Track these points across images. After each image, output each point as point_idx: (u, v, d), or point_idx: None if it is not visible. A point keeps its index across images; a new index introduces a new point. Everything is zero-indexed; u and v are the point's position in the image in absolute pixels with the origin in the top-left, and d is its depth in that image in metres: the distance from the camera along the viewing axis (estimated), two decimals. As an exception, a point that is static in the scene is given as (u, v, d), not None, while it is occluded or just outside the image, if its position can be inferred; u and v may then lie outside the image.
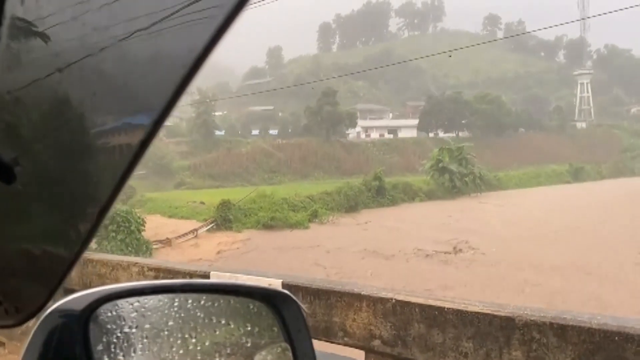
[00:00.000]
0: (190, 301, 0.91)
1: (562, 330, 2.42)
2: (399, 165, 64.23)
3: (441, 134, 74.90)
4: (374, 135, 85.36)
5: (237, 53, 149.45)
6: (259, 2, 19.94)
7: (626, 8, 20.77)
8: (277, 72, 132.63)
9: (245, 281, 4.51)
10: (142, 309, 0.84)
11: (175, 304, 0.89)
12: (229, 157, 60.65)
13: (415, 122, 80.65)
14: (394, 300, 3.13)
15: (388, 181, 39.88)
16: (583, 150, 78.83)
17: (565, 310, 2.55)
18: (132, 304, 0.83)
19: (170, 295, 0.90)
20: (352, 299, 3.40)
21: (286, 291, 0.99)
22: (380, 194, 37.37)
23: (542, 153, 72.96)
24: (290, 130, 77.01)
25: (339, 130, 69.28)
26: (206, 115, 64.92)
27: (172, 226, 28.45)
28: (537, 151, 73.30)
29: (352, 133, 79.39)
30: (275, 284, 4.16)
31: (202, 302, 0.92)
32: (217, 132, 69.66)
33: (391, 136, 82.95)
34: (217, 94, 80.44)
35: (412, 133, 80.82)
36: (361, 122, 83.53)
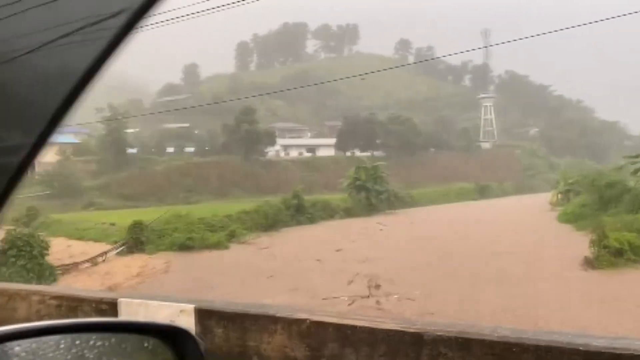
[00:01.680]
0: (78, 342, 0.85)
1: (466, 344, 2.52)
2: (318, 183, 64.87)
3: (358, 153, 76.72)
4: (293, 153, 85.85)
5: (150, 70, 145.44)
6: (172, 19, 19.52)
7: (522, 38, 22.55)
8: (193, 90, 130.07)
9: (157, 307, 4.33)
10: (24, 353, 0.77)
11: (62, 345, 0.83)
12: (142, 176, 58.34)
13: (333, 141, 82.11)
14: (309, 322, 3.13)
15: (307, 199, 40.10)
16: (488, 169, 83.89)
17: (469, 324, 2.68)
18: (13, 348, 0.76)
19: (57, 337, 0.83)
20: (267, 322, 3.36)
21: (182, 326, 0.94)
22: (299, 212, 37.48)
23: (451, 172, 76.84)
24: (207, 149, 75.50)
25: (257, 149, 68.97)
26: (117, 133, 62.18)
27: (80, 249, 26.79)
28: (447, 170, 77.12)
29: (271, 151, 79.30)
30: (188, 309, 4.02)
31: (92, 342, 0.86)
32: (130, 150, 66.92)
33: (310, 155, 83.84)
34: (130, 110, 77.54)
35: (330, 152, 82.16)
36: (280, 141, 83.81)
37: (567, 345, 2.28)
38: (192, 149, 76.67)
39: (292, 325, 3.23)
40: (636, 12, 19.93)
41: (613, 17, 19.53)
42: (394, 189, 48.57)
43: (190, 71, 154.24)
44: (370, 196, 45.40)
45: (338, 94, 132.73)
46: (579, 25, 20.93)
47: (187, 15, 20.38)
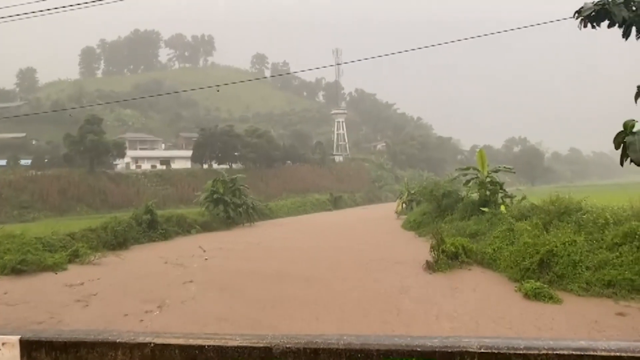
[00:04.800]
0: None
1: (315, 354, 2.55)
2: (172, 197, 62.46)
3: (215, 166, 75.62)
4: (146, 166, 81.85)
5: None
6: (8, 17, 17.45)
7: (369, 58, 24.11)
8: (30, 96, 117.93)
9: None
10: None
11: None
12: (-36, 191, 50.98)
13: (189, 153, 79.90)
14: (152, 345, 2.92)
15: (161, 214, 38.17)
16: (341, 181, 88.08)
17: (317, 334, 2.71)
18: None
19: None
20: (106, 349, 3.07)
21: None
22: (152, 228, 35.49)
23: (307, 183, 79.21)
24: (46, 161, 68.61)
25: (105, 161, 64.37)
26: None
27: None
28: (303, 182, 79.33)
29: (120, 164, 74.70)
30: (12, 341, 3.53)
31: None
32: (-51, 163, 58.21)
33: (164, 167, 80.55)
34: (-51, 117, 67.62)
35: (186, 164, 79.80)
36: (131, 153, 79.35)
37: (405, 347, 2.41)
38: (28, 161, 69.03)
39: (134, 349, 2.99)
40: (472, 38, 22.50)
41: (447, 42, 21.77)
42: (252, 202, 48.50)
43: (27, 76, 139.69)
44: (228, 209, 44.74)
45: (194, 105, 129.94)
46: (419, 48, 23.01)
47: (21, 14, 18.38)
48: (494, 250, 17.93)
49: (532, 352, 2.25)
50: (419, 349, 2.36)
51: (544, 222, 17.54)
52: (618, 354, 2.18)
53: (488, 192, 26.55)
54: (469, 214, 26.26)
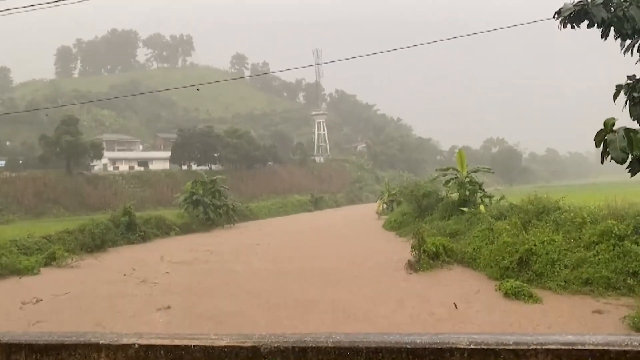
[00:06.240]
0: None
1: (303, 353, 2.51)
2: (151, 198, 61.71)
3: (194, 167, 74.96)
4: (123, 167, 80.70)
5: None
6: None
7: (349, 58, 24.16)
8: (4, 96, 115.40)
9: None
10: None
11: None
12: None
13: (168, 154, 78.99)
14: (136, 346, 2.85)
15: (139, 216, 37.70)
16: (322, 182, 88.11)
17: (306, 333, 2.67)
18: None
19: None
20: (89, 351, 2.98)
21: None
22: (130, 230, 35.02)
23: (287, 184, 79.05)
24: (21, 162, 67.24)
25: (82, 162, 63.33)
26: None
27: None
28: (284, 183, 79.15)
29: (98, 165, 73.61)
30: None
31: None
32: None
33: (142, 168, 79.55)
34: None
35: (165, 165, 78.93)
36: (108, 154, 78.16)
37: (395, 344, 2.39)
38: (2, 163, 67.56)
39: (118, 351, 2.90)
40: (455, 38, 22.67)
41: (429, 43, 21.90)
42: (232, 203, 48.19)
43: (0, 75, 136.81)
44: (208, 211, 44.38)
45: (172, 105, 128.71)
46: (401, 48, 23.12)
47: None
48: (474, 249, 18.11)
49: (521, 347, 2.25)
50: (408, 346, 2.34)
51: (522, 222, 17.78)
52: (606, 347, 2.19)
53: (467, 192, 26.81)
54: (449, 213, 26.49)
